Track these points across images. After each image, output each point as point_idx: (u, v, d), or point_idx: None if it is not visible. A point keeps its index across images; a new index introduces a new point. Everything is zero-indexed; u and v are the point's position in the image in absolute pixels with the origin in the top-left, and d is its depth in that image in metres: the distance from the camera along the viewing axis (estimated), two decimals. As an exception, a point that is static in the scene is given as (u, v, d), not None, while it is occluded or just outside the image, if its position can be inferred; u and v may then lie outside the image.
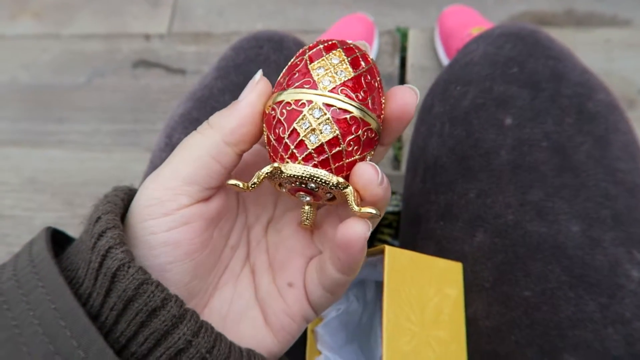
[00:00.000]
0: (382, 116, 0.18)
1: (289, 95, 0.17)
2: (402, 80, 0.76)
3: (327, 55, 0.17)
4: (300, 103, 0.17)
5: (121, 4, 0.91)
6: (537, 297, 0.26)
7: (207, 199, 0.18)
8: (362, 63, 0.18)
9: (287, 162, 0.17)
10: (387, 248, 0.25)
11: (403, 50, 0.78)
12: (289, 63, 0.18)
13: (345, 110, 0.17)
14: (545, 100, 0.30)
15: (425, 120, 0.35)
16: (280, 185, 0.18)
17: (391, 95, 0.18)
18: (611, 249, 0.26)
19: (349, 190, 0.17)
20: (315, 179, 0.17)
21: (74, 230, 0.20)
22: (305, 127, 0.17)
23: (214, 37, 0.85)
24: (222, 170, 0.18)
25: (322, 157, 0.17)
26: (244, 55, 0.36)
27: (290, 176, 0.17)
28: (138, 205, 0.17)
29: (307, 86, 0.17)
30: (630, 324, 0.24)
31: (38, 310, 0.15)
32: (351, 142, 0.17)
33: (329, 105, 0.17)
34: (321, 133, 0.17)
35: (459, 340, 0.27)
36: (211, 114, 0.36)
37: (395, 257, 0.25)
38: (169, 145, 0.34)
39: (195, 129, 0.34)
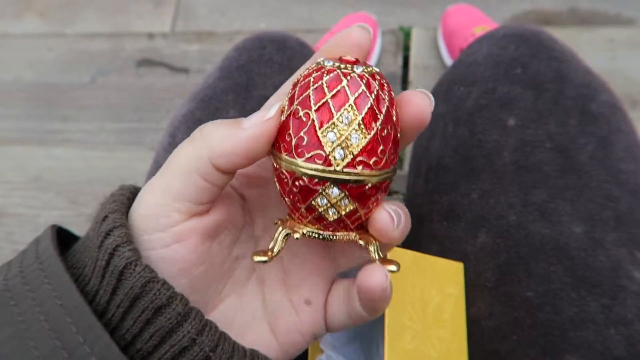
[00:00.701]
0: (396, 157, 0.17)
1: (300, 170, 0.16)
2: (404, 80, 0.76)
3: (337, 115, 0.15)
4: (315, 182, 0.16)
5: (125, 3, 0.91)
6: (540, 298, 0.26)
7: (202, 213, 0.17)
8: (378, 113, 0.16)
9: (307, 226, 0.17)
10: (390, 248, 0.25)
11: (406, 49, 0.78)
12: (292, 108, 0.16)
13: (364, 184, 0.16)
14: (549, 101, 0.30)
15: (428, 120, 0.35)
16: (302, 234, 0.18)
17: (405, 101, 0.17)
18: (613, 250, 0.26)
19: (371, 247, 0.17)
20: (335, 239, 0.17)
21: (78, 228, 0.20)
22: (323, 204, 0.16)
23: (217, 36, 0.85)
24: (213, 188, 0.17)
25: (341, 224, 0.17)
26: (246, 55, 0.36)
27: (310, 237, 0.17)
28: (135, 218, 0.17)
29: (320, 162, 0.16)
30: (632, 325, 0.24)
31: (44, 307, 0.15)
32: (370, 205, 0.17)
33: (345, 184, 0.16)
34: (340, 208, 0.16)
35: (460, 339, 0.27)
36: (214, 114, 0.36)
37: (397, 257, 0.25)
38: (173, 145, 0.35)
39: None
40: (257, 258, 0.17)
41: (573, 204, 0.27)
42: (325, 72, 0.16)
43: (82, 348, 0.15)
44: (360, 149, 0.16)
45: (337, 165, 0.16)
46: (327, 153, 0.16)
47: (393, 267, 0.17)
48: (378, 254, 0.17)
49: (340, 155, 0.16)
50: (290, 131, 0.16)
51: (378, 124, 0.16)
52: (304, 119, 0.16)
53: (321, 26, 0.81)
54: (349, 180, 0.16)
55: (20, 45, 0.90)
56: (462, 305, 0.28)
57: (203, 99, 0.35)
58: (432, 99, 0.17)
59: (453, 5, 0.76)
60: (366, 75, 0.16)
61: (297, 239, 0.17)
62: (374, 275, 0.17)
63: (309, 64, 0.18)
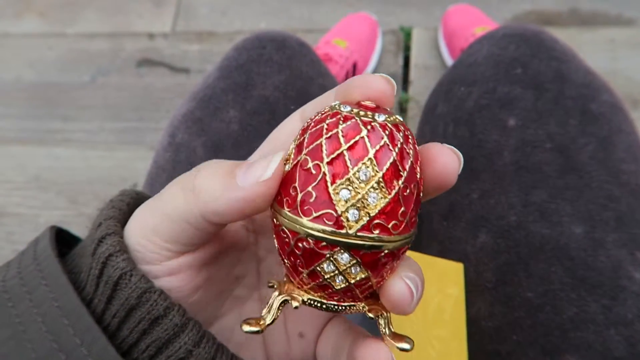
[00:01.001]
0: (416, 221, 0.15)
1: (304, 230, 0.13)
2: (405, 80, 0.76)
3: (354, 171, 0.13)
4: (321, 245, 0.13)
5: (125, 2, 0.91)
6: (540, 298, 0.26)
7: (194, 250, 0.16)
8: (401, 170, 0.13)
9: (308, 292, 0.15)
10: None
11: (407, 49, 0.78)
12: (300, 158, 0.14)
13: (380, 250, 0.14)
14: (549, 101, 0.30)
15: (428, 120, 0.35)
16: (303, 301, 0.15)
17: (431, 158, 0.14)
18: (614, 251, 0.26)
19: (382, 321, 0.15)
20: (343, 311, 0.15)
21: (78, 228, 0.20)
22: (330, 270, 0.14)
23: (217, 36, 0.85)
24: (206, 234, 0.16)
25: (349, 294, 0.15)
26: (246, 55, 0.36)
27: (310, 304, 0.15)
28: (129, 242, 0.16)
29: (330, 223, 0.13)
30: (632, 325, 0.24)
31: (42, 308, 0.15)
32: (384, 273, 0.14)
33: (358, 250, 0.13)
34: (349, 276, 0.14)
35: (460, 339, 0.27)
36: (214, 113, 0.36)
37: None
38: (172, 144, 0.35)
39: (198, 128, 0.34)
40: (247, 328, 0.15)
41: (573, 205, 0.27)
42: (342, 119, 0.14)
43: (80, 350, 0.15)
44: (379, 211, 0.13)
45: (350, 229, 0.13)
46: (339, 213, 0.13)
47: (406, 346, 0.15)
48: (389, 328, 0.15)
49: (355, 216, 0.13)
50: (297, 184, 0.14)
51: (400, 182, 0.13)
52: (314, 172, 0.14)
53: (321, 26, 0.81)
54: (362, 246, 0.13)
55: (20, 45, 0.90)
56: (462, 305, 0.28)
57: (203, 99, 0.35)
58: (461, 157, 0.15)
59: (454, 6, 0.76)
60: (389, 125, 0.14)
61: (295, 307, 0.15)
62: (377, 357, 0.15)
63: (319, 103, 0.16)
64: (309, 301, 0.15)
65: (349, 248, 0.13)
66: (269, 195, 0.14)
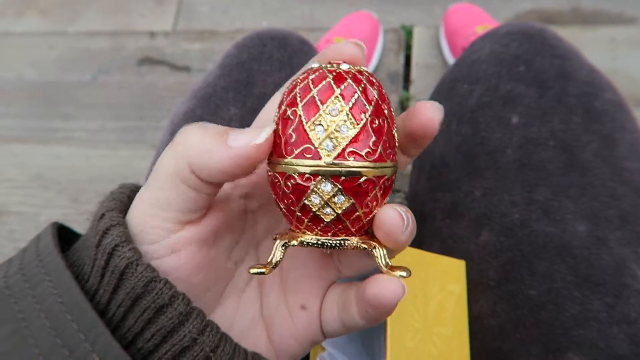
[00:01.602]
0: (396, 148, 0.16)
1: (290, 167, 0.15)
2: (406, 79, 0.75)
3: (324, 108, 0.15)
4: (305, 177, 0.15)
5: (126, 1, 0.91)
6: (543, 296, 0.26)
7: (195, 220, 0.17)
8: (366, 104, 0.15)
9: (305, 233, 0.16)
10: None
11: (408, 48, 0.78)
12: (280, 110, 0.16)
13: (357, 176, 0.15)
14: (552, 99, 0.30)
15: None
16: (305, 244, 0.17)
17: (414, 111, 0.16)
18: (617, 249, 0.26)
19: (377, 252, 0.16)
20: (337, 246, 0.16)
21: (79, 226, 0.20)
22: (317, 202, 0.15)
23: (218, 35, 0.85)
24: (201, 195, 0.16)
25: (341, 226, 0.16)
26: (247, 53, 0.36)
27: (310, 245, 0.16)
28: (131, 223, 0.16)
29: (309, 156, 0.15)
30: (635, 323, 0.24)
31: (45, 304, 0.15)
32: (369, 203, 0.16)
33: (337, 176, 0.15)
34: (335, 204, 0.15)
35: (462, 337, 0.27)
36: (214, 112, 0.36)
37: (398, 255, 0.25)
38: None
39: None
40: (254, 270, 0.16)
41: (577, 202, 0.27)
42: (312, 72, 0.16)
43: (83, 346, 0.15)
44: (350, 140, 0.15)
45: (327, 157, 0.15)
46: (316, 146, 0.15)
47: (403, 273, 0.16)
48: (386, 261, 0.16)
49: (329, 147, 0.15)
50: (280, 132, 0.16)
51: (367, 115, 0.15)
52: (292, 117, 0.15)
53: (322, 25, 0.81)
54: (340, 172, 0.15)
55: (21, 44, 0.90)
56: (463, 303, 0.28)
57: (203, 97, 0.35)
58: (441, 109, 0.16)
59: (455, 4, 0.76)
60: (352, 71, 0.16)
61: (294, 245, 0.16)
62: (389, 287, 0.16)
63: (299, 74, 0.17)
64: (306, 241, 0.16)
65: (328, 176, 0.15)
66: (257, 159, 0.15)
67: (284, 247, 0.16)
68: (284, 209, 0.16)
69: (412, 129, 0.17)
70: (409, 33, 0.79)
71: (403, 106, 0.73)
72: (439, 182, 0.32)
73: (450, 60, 0.73)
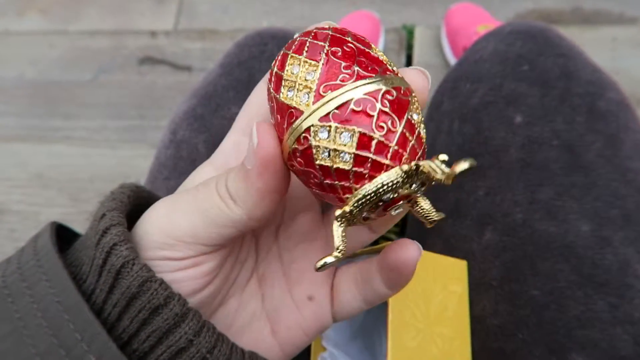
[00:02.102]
0: (392, 65, 0.15)
1: (289, 142, 0.14)
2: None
3: (285, 73, 0.14)
4: (302, 139, 0.14)
5: (127, 0, 0.91)
6: (546, 296, 0.26)
7: (224, 246, 0.17)
8: (320, 43, 0.14)
9: (347, 198, 0.14)
10: (394, 245, 0.25)
11: (409, 48, 0.78)
12: (269, 106, 0.16)
13: (343, 104, 0.13)
14: (556, 98, 0.30)
15: (434, 117, 0.35)
16: (365, 218, 0.15)
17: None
18: (621, 249, 0.26)
19: (426, 165, 0.14)
20: (383, 189, 0.13)
21: (80, 225, 0.20)
22: (326, 156, 0.14)
23: (219, 34, 0.85)
24: (236, 232, 0.16)
25: (369, 164, 0.13)
26: (247, 52, 0.36)
27: (360, 208, 0.14)
28: (146, 232, 0.16)
29: (294, 119, 0.14)
30: (639, 324, 0.24)
31: (42, 304, 0.15)
32: (380, 124, 0.13)
33: (325, 116, 0.13)
34: (345, 146, 0.13)
35: (463, 337, 0.27)
36: (215, 110, 0.36)
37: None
38: (174, 141, 0.34)
39: (199, 125, 0.34)
40: (320, 263, 0.14)
41: (580, 202, 0.27)
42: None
43: (80, 346, 0.14)
44: (320, 78, 0.14)
45: (307, 107, 0.14)
46: (294, 106, 0.14)
47: (466, 164, 0.14)
48: (440, 169, 0.14)
49: (304, 98, 0.14)
50: (275, 127, 0.15)
51: (324, 50, 0.14)
52: (271, 103, 0.15)
53: (324, 24, 0.81)
54: (324, 111, 0.13)
55: (22, 43, 0.90)
56: (465, 303, 0.28)
57: (204, 96, 0.35)
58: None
59: (456, 4, 0.75)
60: (329, 31, 0.15)
61: (347, 215, 0.14)
62: (407, 251, 0.16)
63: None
64: (358, 200, 0.14)
65: (317, 121, 0.14)
66: (275, 155, 0.15)
67: (342, 225, 0.14)
68: (317, 190, 0.15)
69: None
70: (410, 33, 0.79)
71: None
72: (441, 182, 0.31)
73: (452, 60, 0.73)
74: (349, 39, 0.15)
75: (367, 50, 0.15)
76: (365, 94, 0.13)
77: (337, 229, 0.14)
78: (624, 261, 0.25)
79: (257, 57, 0.36)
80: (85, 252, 0.16)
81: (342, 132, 0.13)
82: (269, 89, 0.15)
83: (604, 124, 0.29)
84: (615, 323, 0.24)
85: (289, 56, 0.14)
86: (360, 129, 0.13)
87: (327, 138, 0.13)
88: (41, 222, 0.74)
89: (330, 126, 0.13)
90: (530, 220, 0.27)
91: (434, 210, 0.15)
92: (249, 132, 0.17)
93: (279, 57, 0.15)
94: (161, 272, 0.16)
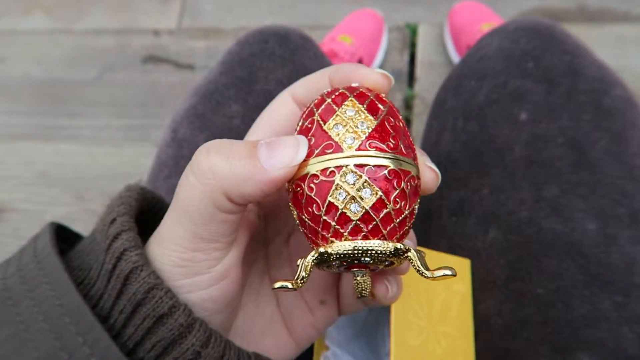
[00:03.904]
0: (416, 159, 0.16)
1: (312, 167, 0.15)
2: (411, 77, 0.75)
3: (339, 110, 0.15)
4: (328, 172, 0.14)
5: (131, -1, 0.91)
6: (551, 295, 0.26)
7: (235, 240, 0.16)
8: (380, 106, 0.15)
9: (333, 242, 0.15)
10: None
11: (412, 46, 0.78)
12: (297, 127, 0.16)
13: (381, 166, 0.14)
14: (561, 95, 0.29)
15: (438, 115, 0.34)
16: (329, 267, 0.16)
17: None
18: (627, 248, 0.25)
19: (412, 254, 0.15)
20: (370, 252, 0.14)
21: (84, 224, 0.20)
22: (343, 198, 0.14)
23: (223, 33, 0.85)
24: (237, 216, 0.16)
25: (371, 226, 0.15)
26: (249, 49, 0.36)
27: (340, 256, 0.15)
28: (163, 262, 0.16)
29: (330, 150, 0.15)
30: (645, 323, 0.24)
31: (43, 307, 0.15)
32: (397, 199, 0.15)
33: (361, 166, 0.14)
34: (362, 199, 0.14)
35: (467, 336, 0.27)
36: (216, 108, 0.36)
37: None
38: (175, 140, 0.34)
39: (200, 124, 0.34)
40: (278, 284, 0.15)
41: (586, 200, 0.27)
42: (324, 93, 0.16)
43: (82, 349, 0.14)
44: (370, 132, 0.15)
45: (349, 149, 0.14)
46: (337, 141, 0.15)
47: (448, 272, 0.15)
48: (425, 264, 0.15)
49: (350, 139, 0.15)
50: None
51: (383, 113, 0.15)
52: (309, 126, 0.15)
53: (327, 23, 0.81)
54: (364, 162, 0.14)
55: (27, 42, 0.91)
56: (468, 302, 0.28)
57: (205, 94, 0.35)
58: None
59: (460, 2, 0.75)
60: (361, 89, 0.16)
61: (322, 258, 0.15)
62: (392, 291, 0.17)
63: (309, 82, 0.17)
64: (336, 251, 0.15)
65: (352, 166, 0.14)
66: (292, 174, 0.15)
67: (313, 261, 0.15)
68: (308, 221, 0.15)
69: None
70: (413, 31, 0.78)
71: (407, 104, 0.73)
72: (446, 180, 0.31)
73: (455, 58, 0.72)
74: (400, 117, 0.16)
75: (408, 133, 0.16)
76: (399, 169, 0.15)
77: (308, 263, 0.15)
78: (631, 260, 0.25)
79: (258, 54, 0.35)
80: (93, 256, 0.16)
81: (367, 187, 0.14)
82: (312, 110, 0.16)
83: (610, 121, 0.29)
84: (622, 322, 0.24)
85: (350, 98, 0.15)
86: (382, 194, 0.14)
87: (352, 184, 0.14)
88: (46, 221, 0.73)
89: (361, 176, 0.14)
90: (536, 218, 0.27)
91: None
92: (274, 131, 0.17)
93: (338, 93, 0.16)
94: (192, 291, 0.16)
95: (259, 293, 0.20)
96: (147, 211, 0.19)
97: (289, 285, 0.15)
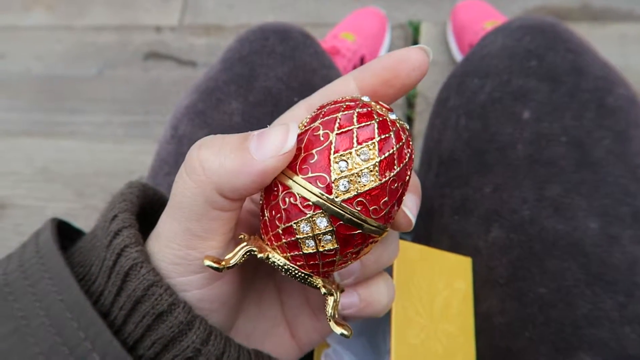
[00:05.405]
0: (395, 215, 0.16)
1: (296, 186, 0.14)
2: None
3: (355, 148, 0.14)
4: (306, 204, 0.14)
5: (133, -5, 0.91)
6: (553, 294, 0.25)
7: (230, 234, 0.16)
8: (395, 164, 0.15)
9: (275, 250, 0.15)
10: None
11: (415, 44, 0.77)
12: (312, 124, 0.15)
13: (354, 227, 0.15)
14: (565, 94, 0.29)
15: (440, 113, 0.34)
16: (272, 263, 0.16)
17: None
18: (630, 247, 0.25)
19: (331, 300, 0.16)
20: (299, 279, 0.15)
21: (84, 220, 0.20)
22: (305, 231, 0.15)
23: (224, 30, 0.85)
24: (234, 212, 0.16)
25: (311, 263, 0.15)
26: (249, 46, 0.35)
27: (273, 265, 0.15)
28: (159, 259, 0.16)
29: (322, 185, 0.14)
30: (647, 323, 0.24)
31: (44, 302, 0.15)
32: (348, 254, 0.15)
33: (337, 218, 0.14)
34: (319, 242, 0.15)
35: (468, 334, 0.27)
36: (216, 105, 0.36)
37: (404, 251, 0.25)
38: (175, 137, 0.34)
39: (200, 121, 0.34)
40: (207, 262, 0.15)
41: (589, 199, 0.26)
42: (360, 105, 0.15)
43: (84, 344, 0.14)
44: (366, 191, 0.14)
45: (337, 197, 0.14)
46: (332, 180, 0.14)
47: (345, 332, 0.15)
48: (335, 312, 0.16)
49: (344, 187, 0.14)
50: (302, 145, 0.15)
51: (392, 174, 0.15)
52: (322, 139, 0.15)
53: (329, 20, 0.81)
54: (342, 216, 0.14)
55: (28, 38, 0.91)
56: (470, 300, 0.28)
57: (205, 91, 0.35)
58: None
59: (463, 0, 0.75)
60: (398, 124, 0.15)
61: (259, 258, 0.15)
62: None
63: (326, 93, 0.17)
64: (273, 260, 0.15)
65: (330, 214, 0.14)
66: (285, 164, 0.15)
67: (246, 254, 0.15)
68: (267, 219, 0.15)
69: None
70: (416, 29, 0.78)
71: (409, 102, 0.73)
72: (448, 178, 0.31)
73: (458, 56, 0.72)
74: (408, 174, 0.16)
75: (406, 190, 0.16)
76: (368, 234, 0.15)
77: (242, 250, 0.15)
78: (633, 259, 0.25)
79: (258, 51, 0.35)
80: (94, 252, 0.16)
81: (329, 236, 0.15)
82: (334, 124, 0.15)
83: (614, 120, 0.28)
84: (624, 322, 0.24)
85: (375, 139, 0.15)
86: (337, 247, 0.15)
87: (319, 228, 0.15)
88: (46, 217, 0.73)
89: (331, 226, 0.14)
90: (538, 217, 0.27)
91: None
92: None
93: (369, 124, 0.15)
94: (187, 290, 0.16)
95: (263, 295, 0.20)
96: (148, 208, 0.19)
97: (217, 265, 0.15)
